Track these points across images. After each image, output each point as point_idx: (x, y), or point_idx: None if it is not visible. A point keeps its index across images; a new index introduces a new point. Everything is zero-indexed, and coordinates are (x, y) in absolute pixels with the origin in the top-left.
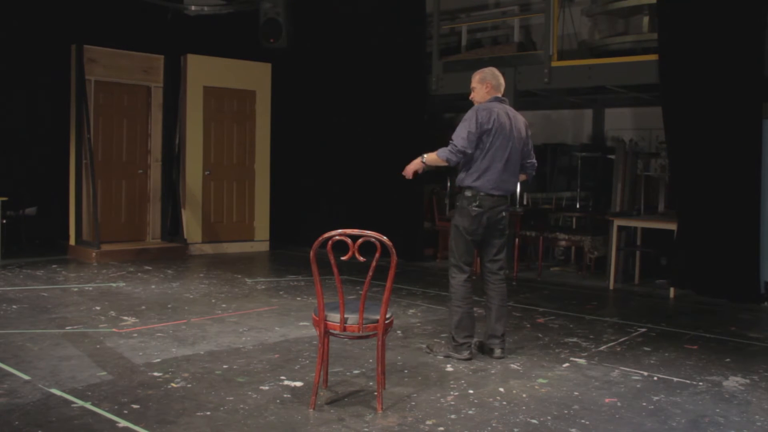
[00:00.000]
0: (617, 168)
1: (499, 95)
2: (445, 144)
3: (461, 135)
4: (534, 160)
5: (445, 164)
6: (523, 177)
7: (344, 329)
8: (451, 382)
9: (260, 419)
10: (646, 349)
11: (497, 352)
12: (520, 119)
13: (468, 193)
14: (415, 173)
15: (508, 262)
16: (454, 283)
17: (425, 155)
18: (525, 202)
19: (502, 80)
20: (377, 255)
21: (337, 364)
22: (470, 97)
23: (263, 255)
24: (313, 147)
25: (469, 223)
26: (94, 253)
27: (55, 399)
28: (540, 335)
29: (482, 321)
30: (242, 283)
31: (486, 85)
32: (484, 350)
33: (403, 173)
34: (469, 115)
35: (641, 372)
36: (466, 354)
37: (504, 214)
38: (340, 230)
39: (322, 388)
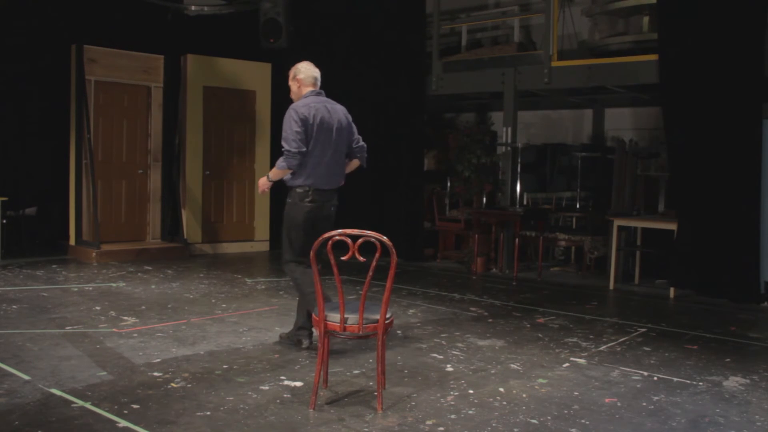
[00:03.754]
0: (617, 168)
1: (315, 89)
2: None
3: (289, 138)
4: (363, 143)
5: (289, 171)
6: (356, 163)
7: (344, 329)
8: (451, 382)
9: (260, 419)
10: (646, 349)
11: (305, 343)
12: (338, 109)
13: (300, 190)
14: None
15: (508, 262)
16: (296, 276)
17: (269, 172)
18: (525, 202)
19: (314, 72)
20: (377, 255)
21: (337, 364)
22: (291, 96)
23: (263, 255)
24: None
25: (303, 219)
26: (94, 253)
27: (55, 399)
28: (540, 335)
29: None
30: (242, 283)
31: (296, 81)
32: (293, 341)
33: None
34: (288, 115)
35: (641, 372)
36: (306, 342)
37: (333, 209)
38: (340, 230)
39: (322, 388)
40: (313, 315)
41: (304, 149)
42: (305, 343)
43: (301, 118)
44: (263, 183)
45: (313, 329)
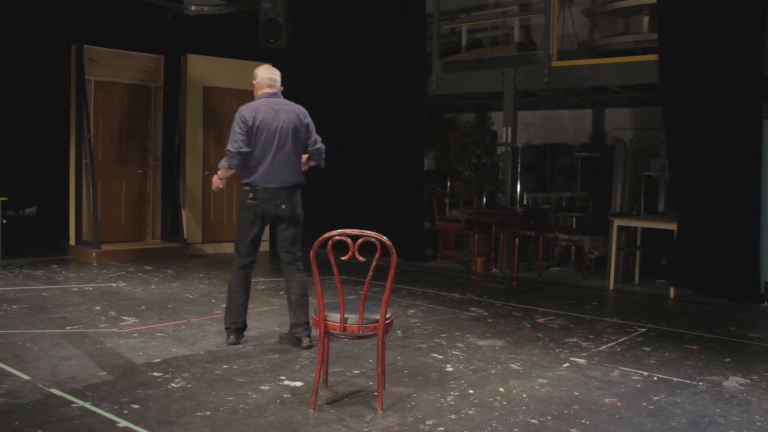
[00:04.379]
0: (617, 168)
1: (271, 90)
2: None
3: (231, 139)
4: (319, 145)
5: (232, 171)
6: (311, 163)
7: (344, 329)
8: (451, 382)
9: (260, 419)
10: (646, 349)
11: (305, 341)
12: (290, 109)
13: (246, 188)
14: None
15: (508, 262)
16: (232, 271)
17: (219, 171)
18: (525, 202)
19: (271, 74)
20: (377, 255)
21: (337, 364)
22: None
23: (263, 255)
24: None
25: (247, 215)
26: (94, 253)
27: (55, 399)
28: (540, 335)
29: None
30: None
31: (255, 85)
32: (292, 341)
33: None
34: (234, 118)
35: (641, 372)
36: (232, 338)
37: (284, 206)
38: (340, 230)
39: (322, 388)
40: (313, 315)
41: (245, 149)
42: (305, 341)
43: (243, 120)
44: (215, 180)
45: (311, 326)
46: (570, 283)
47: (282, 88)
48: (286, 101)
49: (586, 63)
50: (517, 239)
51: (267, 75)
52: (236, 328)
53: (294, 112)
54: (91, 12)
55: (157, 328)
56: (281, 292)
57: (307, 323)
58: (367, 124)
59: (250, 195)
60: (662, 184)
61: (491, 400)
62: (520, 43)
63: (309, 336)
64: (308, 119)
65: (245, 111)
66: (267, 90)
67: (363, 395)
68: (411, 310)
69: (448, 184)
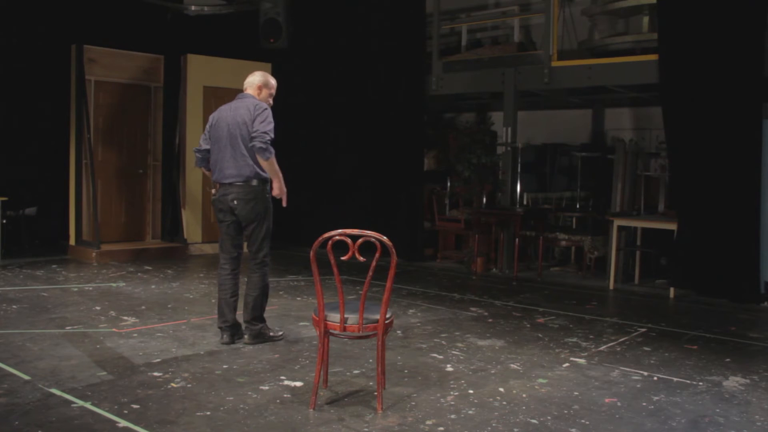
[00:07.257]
0: (617, 168)
1: (241, 93)
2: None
3: None
4: (255, 142)
5: (205, 170)
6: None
7: (344, 329)
8: (451, 382)
9: (260, 419)
10: (646, 349)
11: (245, 338)
12: (245, 104)
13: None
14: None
15: (508, 262)
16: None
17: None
18: (525, 202)
19: (249, 78)
20: (377, 255)
21: (337, 364)
22: None
23: None
24: (312, 147)
25: (214, 210)
26: (94, 253)
27: (55, 399)
28: (540, 335)
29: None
30: (242, 283)
31: None
32: (262, 338)
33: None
34: None
35: (641, 372)
36: (225, 338)
37: (236, 201)
38: (340, 230)
39: (322, 388)
40: (313, 315)
41: (203, 147)
42: (244, 339)
43: (207, 121)
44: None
45: (254, 329)
46: (570, 283)
47: (259, 87)
48: (247, 99)
49: (586, 63)
50: (517, 239)
51: (245, 80)
52: (227, 326)
53: (246, 107)
54: (91, 12)
55: (157, 328)
56: (281, 292)
57: (250, 323)
58: (367, 124)
59: (214, 190)
60: (662, 184)
61: (491, 400)
62: (520, 43)
63: (249, 335)
64: (258, 111)
65: (212, 113)
66: (241, 92)
67: (363, 395)
68: (411, 310)
69: (448, 184)
